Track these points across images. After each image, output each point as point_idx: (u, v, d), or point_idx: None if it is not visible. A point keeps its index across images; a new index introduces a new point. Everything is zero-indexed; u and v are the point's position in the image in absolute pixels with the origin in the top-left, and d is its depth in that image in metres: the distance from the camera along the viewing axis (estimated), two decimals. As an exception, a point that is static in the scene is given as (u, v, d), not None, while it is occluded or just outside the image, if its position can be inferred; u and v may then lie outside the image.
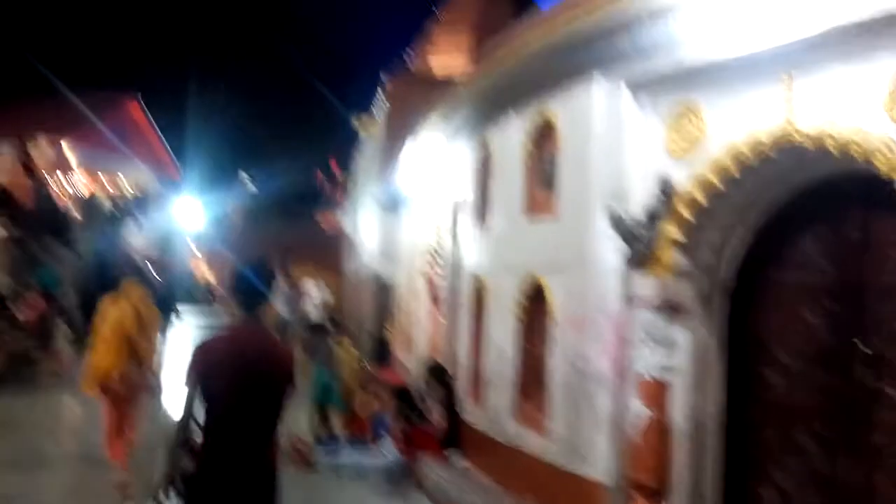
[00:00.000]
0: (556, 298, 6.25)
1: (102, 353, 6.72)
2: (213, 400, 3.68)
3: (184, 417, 3.71)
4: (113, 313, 6.77)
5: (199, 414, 3.72)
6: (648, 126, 5.53)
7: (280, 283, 16.28)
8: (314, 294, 16.97)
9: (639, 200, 5.51)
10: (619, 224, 5.50)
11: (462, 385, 8.40)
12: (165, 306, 13.18)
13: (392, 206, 16.40)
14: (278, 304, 16.53)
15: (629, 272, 5.54)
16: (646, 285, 5.44)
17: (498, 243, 7.42)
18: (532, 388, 6.77)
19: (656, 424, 5.38)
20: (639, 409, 5.46)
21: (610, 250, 5.63)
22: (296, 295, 16.79)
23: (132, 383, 6.68)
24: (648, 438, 5.38)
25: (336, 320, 11.55)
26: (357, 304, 20.63)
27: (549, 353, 6.36)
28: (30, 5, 58.19)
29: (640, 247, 5.39)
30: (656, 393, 5.41)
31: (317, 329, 11.57)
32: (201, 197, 36.36)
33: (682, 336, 5.43)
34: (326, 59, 65.71)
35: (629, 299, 5.55)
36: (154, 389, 7.27)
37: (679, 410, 5.42)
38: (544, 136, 6.67)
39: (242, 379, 3.67)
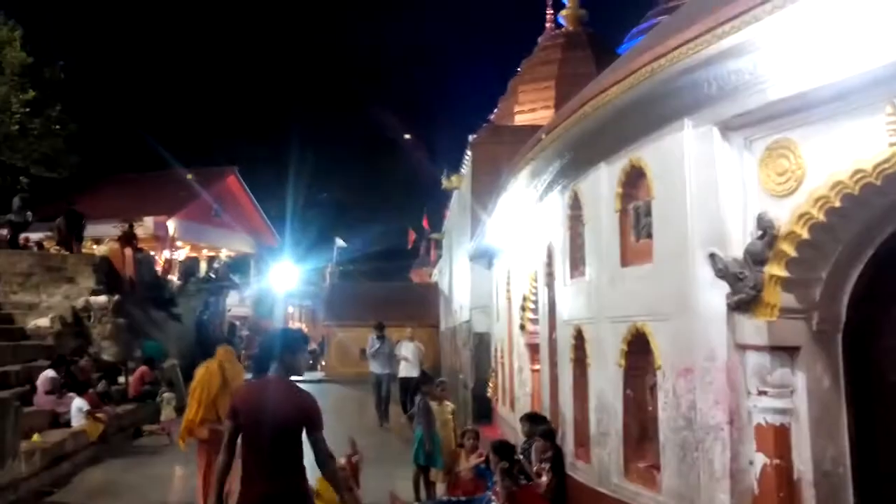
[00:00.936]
0: (661, 347, 6.14)
1: (192, 409, 7.93)
2: (245, 436, 4.54)
3: (224, 450, 4.61)
4: (202, 373, 8.06)
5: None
6: (743, 166, 5.44)
7: (373, 341, 16.73)
8: (410, 351, 16.56)
9: (739, 242, 5.41)
10: (721, 268, 5.41)
11: (567, 439, 8.28)
12: (260, 366, 13.56)
13: (484, 259, 16.55)
14: (373, 364, 16.74)
15: (735, 316, 5.41)
16: (754, 328, 5.29)
17: (595, 292, 7.37)
18: (641, 441, 6.62)
19: (779, 473, 5.17)
20: (758, 459, 5.27)
21: (713, 295, 5.52)
22: (390, 353, 16.68)
23: (218, 435, 7.08)
24: (771, 489, 5.17)
25: (433, 377, 11.47)
26: (454, 360, 20.69)
27: (657, 404, 6.22)
28: (132, 92, 62.06)
29: (745, 289, 5.27)
30: (776, 440, 5.21)
31: (414, 388, 11.62)
32: (297, 261, 37.45)
33: (798, 378, 5.24)
34: (415, 121, 67.52)
35: (738, 344, 5.41)
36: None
37: (802, 457, 5.19)
38: (635, 183, 6.65)
39: (265, 418, 4.45)
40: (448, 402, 10.28)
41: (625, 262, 6.79)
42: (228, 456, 4.59)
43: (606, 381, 7.05)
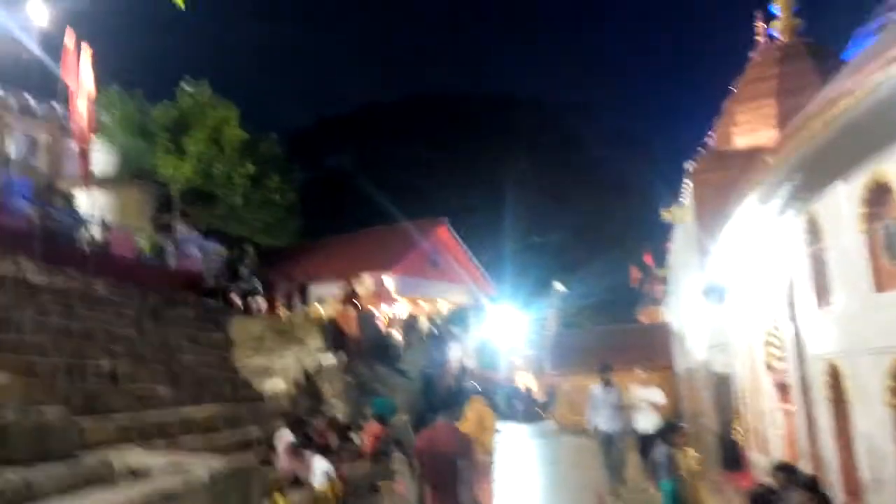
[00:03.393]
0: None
1: None
2: (426, 467, 7.17)
3: (418, 480, 7.34)
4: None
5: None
6: None
7: (598, 389, 14.78)
8: (643, 399, 15.42)
9: None
10: None
11: (829, 487, 7.83)
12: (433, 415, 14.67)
13: (716, 293, 16.00)
14: (598, 417, 14.58)
15: None
16: None
17: (847, 323, 7.00)
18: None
19: None
20: None
21: None
22: (619, 403, 14.65)
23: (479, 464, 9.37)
24: None
25: (674, 425, 11.11)
26: (694, 403, 20.05)
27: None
28: (342, 156, 66.50)
29: None
30: None
31: (653, 439, 11.41)
32: (517, 309, 38.06)
33: None
34: (627, 157, 66.84)
35: None
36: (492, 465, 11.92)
37: None
38: (881, 200, 6.31)
39: (433, 455, 7.05)
40: (691, 450, 10.06)
41: (879, 286, 6.42)
42: (421, 485, 7.19)
43: (873, 423, 6.63)
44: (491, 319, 35.66)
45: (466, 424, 11.88)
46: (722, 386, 15.98)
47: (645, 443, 14.19)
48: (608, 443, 14.30)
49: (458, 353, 29.47)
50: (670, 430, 10.09)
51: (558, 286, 38.82)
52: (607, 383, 14.56)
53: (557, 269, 48.95)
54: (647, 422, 14.79)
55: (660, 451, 9.54)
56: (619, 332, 30.26)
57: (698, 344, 18.58)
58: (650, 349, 26.42)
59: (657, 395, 15.57)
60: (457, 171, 67.10)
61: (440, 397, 21.11)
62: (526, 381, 36.90)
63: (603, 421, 14.31)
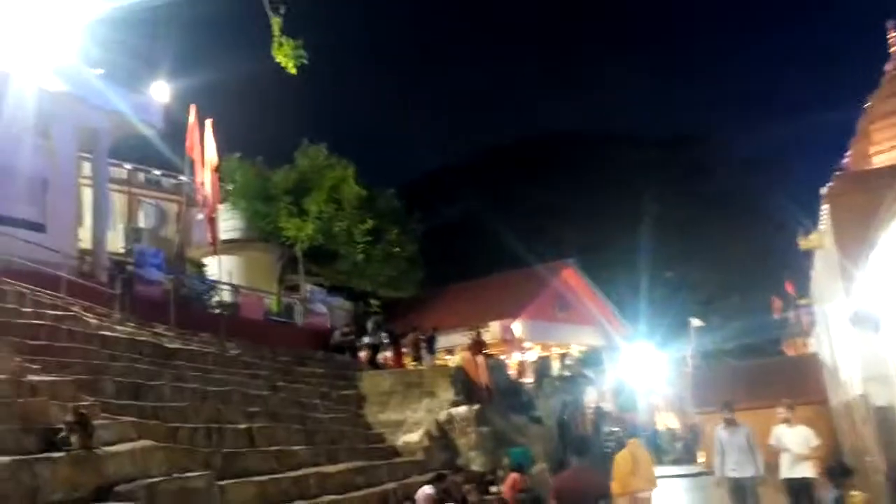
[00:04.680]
0: None
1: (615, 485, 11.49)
2: None
3: None
4: (619, 459, 12.27)
5: None
6: None
7: (722, 433, 13.13)
8: (793, 441, 13.01)
9: None
10: None
11: None
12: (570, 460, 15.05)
13: (870, 322, 15.14)
14: (725, 462, 12.94)
15: None
16: None
17: None
18: None
19: None
20: None
21: None
22: (747, 444, 12.74)
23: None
24: None
25: (844, 466, 9.98)
26: (855, 440, 18.96)
27: None
28: (460, 206, 67.35)
29: None
30: None
31: (807, 486, 10.70)
32: (653, 348, 37.25)
33: None
34: (758, 185, 64.93)
35: None
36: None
37: None
38: None
39: (574, 495, 7.46)
40: (858, 492, 9.43)
41: None
42: None
43: None
44: (626, 360, 34.99)
45: (622, 468, 12.61)
46: (886, 421, 14.99)
47: (797, 490, 12.67)
48: (739, 492, 12.73)
49: (594, 397, 29.01)
50: (840, 472, 9.07)
51: (695, 321, 37.77)
52: (731, 423, 13.05)
53: (694, 304, 47.74)
54: (797, 469, 12.79)
55: (829, 496, 8.82)
56: (763, 366, 29.07)
57: (852, 376, 17.63)
58: (799, 383, 25.19)
59: (808, 435, 13.20)
60: (580, 210, 66.66)
61: (578, 443, 20.77)
62: (668, 421, 35.89)
63: (731, 467, 12.78)
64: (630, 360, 35.30)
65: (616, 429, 24.15)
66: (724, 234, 62.69)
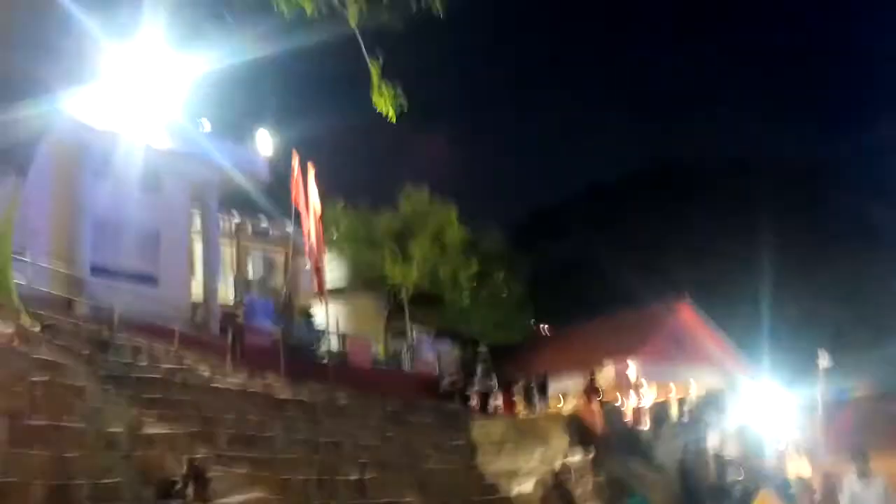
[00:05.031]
0: None
1: None
2: None
3: None
4: None
5: None
6: None
7: (854, 485, 11.67)
8: None
9: None
10: None
11: None
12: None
13: None
14: None
15: None
16: None
17: None
18: None
19: None
20: None
21: None
22: (885, 499, 11.19)
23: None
24: None
25: None
26: None
27: None
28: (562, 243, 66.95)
29: None
30: None
31: None
32: (780, 387, 35.75)
33: None
34: (886, 211, 62.32)
35: None
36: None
37: None
38: None
39: None
40: None
41: None
42: None
43: None
44: (750, 401, 33.67)
45: None
46: None
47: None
48: None
49: (717, 441, 27.99)
50: None
51: (824, 359, 36.09)
52: (864, 474, 11.38)
53: (821, 341, 45.67)
54: None
55: None
56: (905, 408, 27.51)
57: None
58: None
59: None
60: (694, 244, 65.21)
61: (702, 491, 20.04)
62: (799, 468, 34.24)
63: None
64: (754, 402, 33.97)
65: (741, 477, 23.26)
66: (852, 266, 60.21)
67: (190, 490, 8.81)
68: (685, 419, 26.71)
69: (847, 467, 13.08)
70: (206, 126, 22.91)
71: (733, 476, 25.84)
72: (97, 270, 19.15)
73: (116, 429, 9.74)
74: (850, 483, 11.72)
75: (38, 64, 10.84)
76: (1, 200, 10.82)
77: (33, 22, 10.83)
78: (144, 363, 14.18)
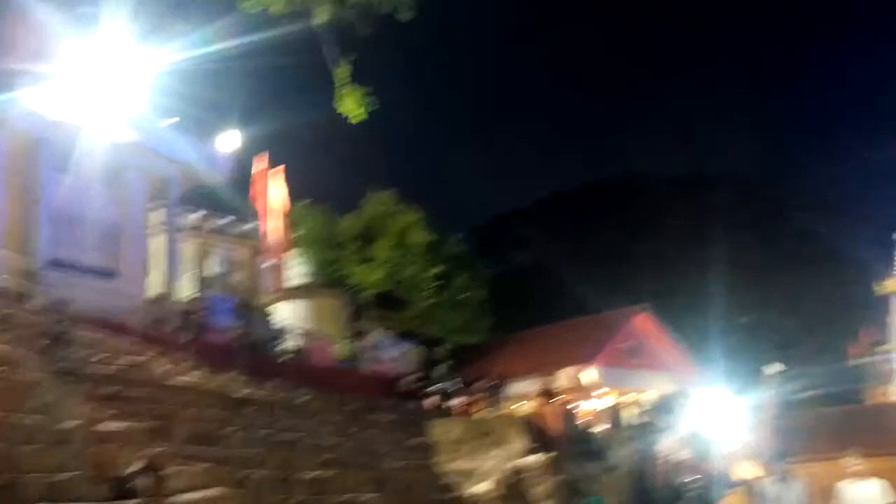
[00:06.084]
0: None
1: None
2: None
3: None
4: None
5: None
6: None
7: (770, 488, 11.57)
8: (858, 495, 11.05)
9: None
10: None
11: None
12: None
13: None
14: None
15: None
16: None
17: None
18: None
19: None
20: None
21: None
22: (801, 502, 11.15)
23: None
24: None
25: None
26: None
27: None
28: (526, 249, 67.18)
29: None
30: None
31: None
32: (729, 394, 36.13)
33: None
34: (836, 228, 63.50)
35: None
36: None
37: None
38: None
39: None
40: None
41: None
42: None
43: None
44: (701, 407, 34.01)
45: None
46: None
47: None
48: None
49: (669, 445, 28.18)
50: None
51: (773, 367, 36.59)
52: (783, 477, 11.33)
53: (769, 350, 46.47)
54: None
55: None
56: (845, 415, 27.91)
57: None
58: (884, 433, 24.09)
59: (881, 490, 11.14)
60: (652, 254, 65.89)
61: (656, 494, 20.11)
62: (745, 471, 34.62)
63: None
64: (705, 407, 34.30)
65: (697, 477, 23.43)
66: (800, 279, 61.45)
67: (146, 486, 8.59)
68: (639, 423, 26.84)
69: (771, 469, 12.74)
70: (169, 121, 22.53)
71: (684, 478, 26.03)
72: (53, 263, 18.70)
73: (70, 424, 9.46)
74: (765, 486, 11.62)
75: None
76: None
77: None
78: (100, 358, 13.84)
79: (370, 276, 29.60)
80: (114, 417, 10.67)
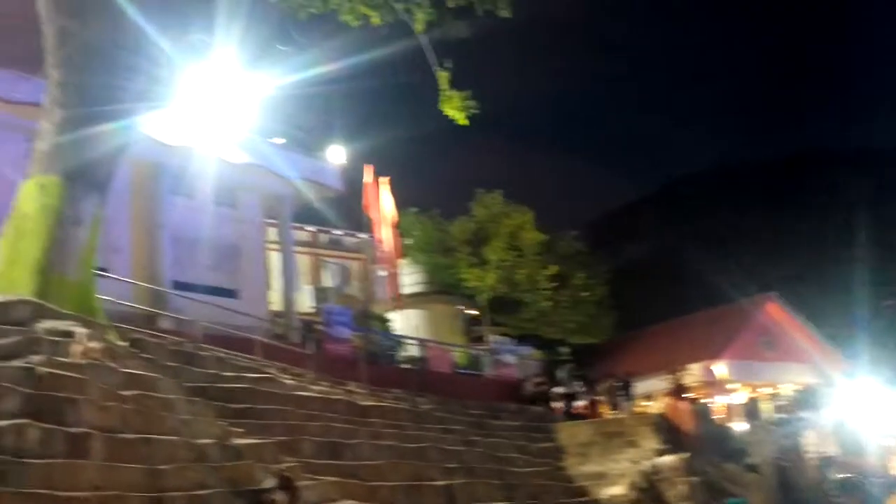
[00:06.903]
0: None
1: None
2: None
3: None
4: None
5: None
6: None
7: None
8: None
9: None
10: None
11: None
12: None
13: None
14: None
15: None
16: None
17: None
18: None
19: None
20: None
21: None
22: None
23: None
24: None
25: None
26: None
27: None
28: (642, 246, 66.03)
29: None
30: None
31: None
32: (880, 383, 34.54)
33: None
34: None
35: None
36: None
37: None
38: None
39: None
40: None
41: None
42: None
43: None
44: (847, 399, 32.68)
45: None
46: None
47: None
48: None
49: (814, 441, 27.22)
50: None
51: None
52: None
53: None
54: None
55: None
56: None
57: None
58: None
59: None
60: (779, 239, 63.60)
61: (805, 493, 19.53)
62: (904, 465, 33.05)
63: None
64: (851, 400, 32.95)
65: (849, 475, 22.61)
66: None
67: (281, 501, 8.92)
68: (779, 418, 26.08)
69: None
70: (278, 140, 23.28)
71: (837, 475, 25.10)
72: (178, 285, 19.57)
73: (205, 441, 9.89)
74: None
75: (116, 83, 11.22)
76: (85, 219, 11.10)
77: (111, 43, 11.20)
78: (228, 374, 14.40)
79: (484, 280, 29.70)
80: (245, 433, 11.08)
